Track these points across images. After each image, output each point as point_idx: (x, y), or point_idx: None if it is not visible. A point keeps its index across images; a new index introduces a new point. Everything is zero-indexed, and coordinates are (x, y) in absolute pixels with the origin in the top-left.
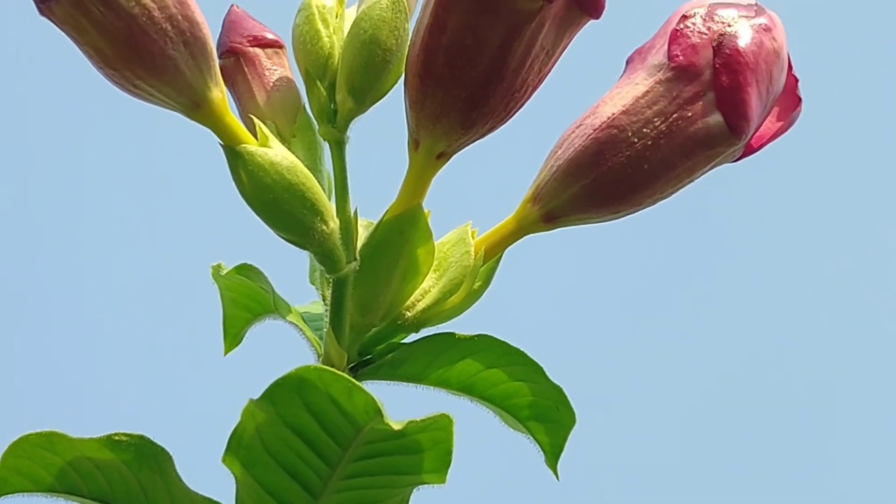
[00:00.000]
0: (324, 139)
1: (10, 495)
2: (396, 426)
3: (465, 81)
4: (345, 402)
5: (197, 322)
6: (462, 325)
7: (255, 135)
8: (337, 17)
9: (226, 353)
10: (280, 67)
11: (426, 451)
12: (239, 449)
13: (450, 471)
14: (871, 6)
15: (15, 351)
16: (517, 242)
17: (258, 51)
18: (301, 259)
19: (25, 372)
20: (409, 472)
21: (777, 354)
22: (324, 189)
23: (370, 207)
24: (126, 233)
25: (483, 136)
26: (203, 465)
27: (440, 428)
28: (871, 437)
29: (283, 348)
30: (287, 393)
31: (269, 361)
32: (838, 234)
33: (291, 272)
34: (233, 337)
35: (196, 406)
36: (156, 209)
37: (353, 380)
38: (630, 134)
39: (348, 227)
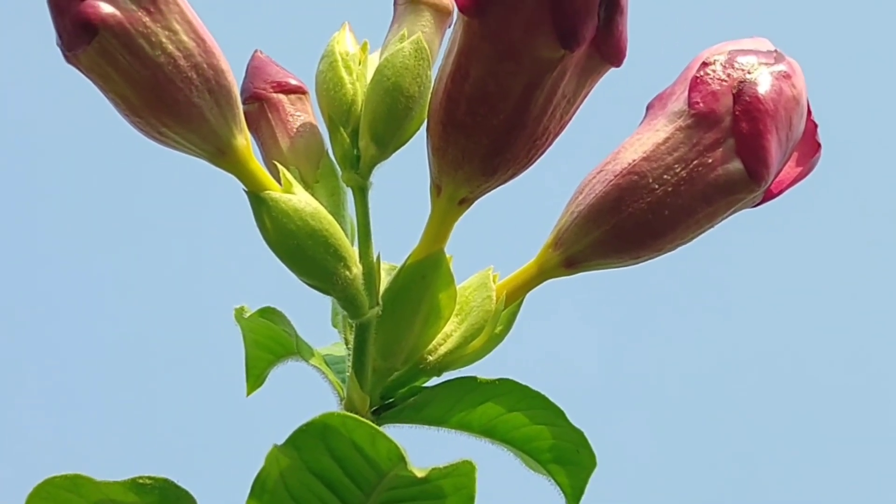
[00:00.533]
0: (347, 185)
1: None
2: (420, 473)
3: (488, 128)
4: (368, 449)
5: (220, 364)
6: (484, 369)
7: (278, 180)
8: (360, 63)
9: (248, 395)
10: (303, 113)
11: (448, 496)
12: (263, 493)
13: None
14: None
15: (37, 392)
16: (538, 287)
17: (282, 97)
18: (324, 301)
19: (48, 414)
20: None
21: (806, 393)
22: (347, 234)
23: (393, 252)
24: (152, 276)
25: (505, 182)
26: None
27: (463, 474)
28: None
29: (306, 390)
30: (311, 439)
31: (291, 403)
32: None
33: (314, 313)
34: (255, 378)
35: (219, 448)
36: (182, 253)
37: (377, 426)
38: (651, 180)
39: (371, 272)
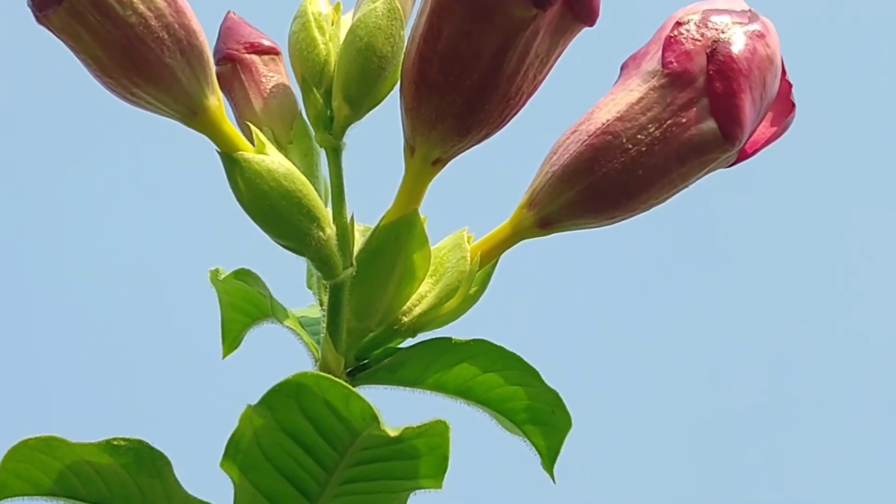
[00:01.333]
0: (320, 146)
1: (10, 499)
2: (393, 433)
3: (461, 88)
4: (342, 409)
5: (195, 327)
6: (458, 331)
7: (252, 142)
8: (333, 24)
9: (224, 357)
10: (276, 74)
11: (422, 456)
12: (237, 454)
13: (447, 475)
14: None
15: (11, 355)
16: (512, 248)
17: (255, 58)
18: (298, 263)
19: (22, 376)
20: (405, 478)
21: (777, 353)
22: (320, 195)
23: (366, 213)
24: (125, 238)
25: (478, 142)
26: (201, 469)
27: (436, 434)
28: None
29: (281, 352)
30: (284, 399)
31: (266, 365)
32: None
33: (289, 276)
34: (231, 341)
35: (194, 410)
36: (154, 215)
37: (350, 386)
38: (625, 140)
39: (345, 233)
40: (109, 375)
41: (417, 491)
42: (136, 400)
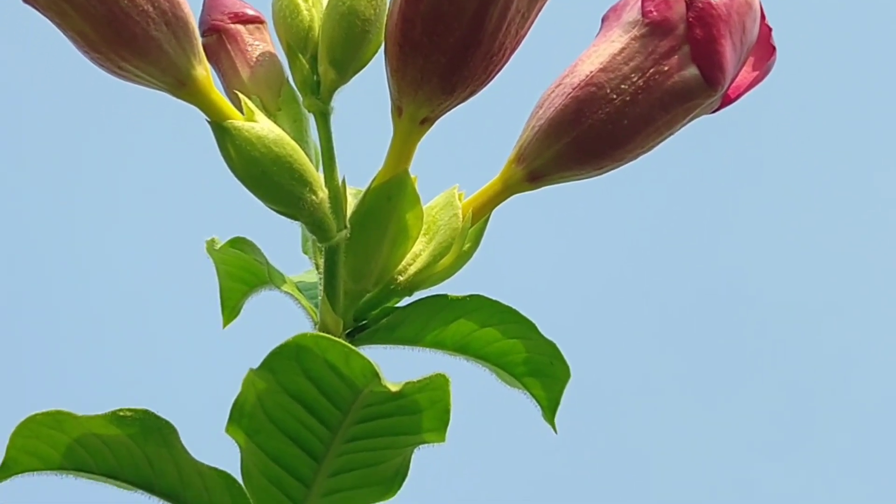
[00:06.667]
0: (308, 111)
1: (19, 475)
2: (394, 388)
3: (444, 47)
4: (342, 367)
5: (195, 297)
6: (454, 288)
7: (240, 110)
8: None
9: (224, 326)
10: (262, 42)
11: (424, 410)
12: (241, 418)
13: (449, 429)
14: None
15: (14, 332)
16: (504, 203)
17: (240, 27)
18: (293, 232)
19: (25, 353)
20: (408, 433)
21: (774, 295)
22: (311, 160)
23: (357, 176)
24: (121, 211)
25: (464, 100)
26: (208, 437)
27: (437, 388)
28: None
29: (281, 319)
30: (286, 361)
31: (267, 332)
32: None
33: (285, 243)
34: (230, 310)
35: (198, 381)
36: (149, 187)
37: (350, 345)
38: (608, 91)
39: (337, 195)
40: (113, 350)
41: (421, 445)
42: (141, 375)
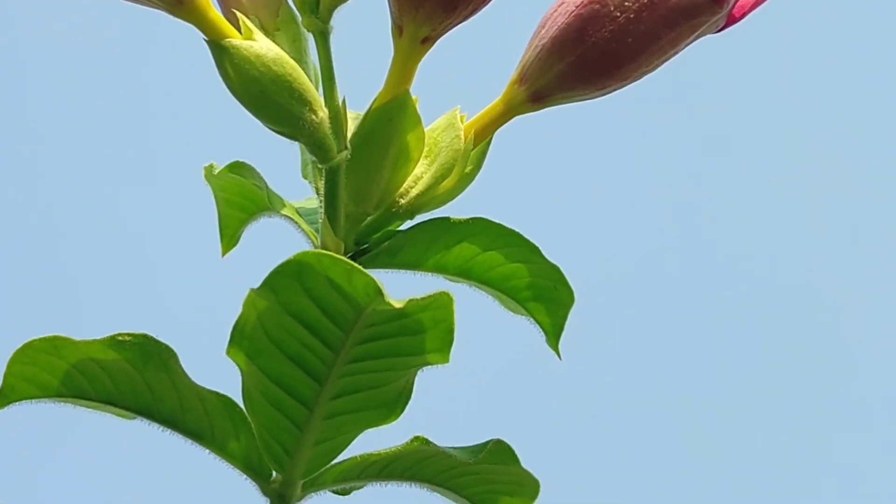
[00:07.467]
0: (307, 30)
1: (17, 402)
2: (397, 304)
3: None
4: (345, 285)
5: (195, 225)
6: (456, 211)
7: (238, 30)
8: None
9: (223, 255)
10: None
11: (428, 330)
12: (242, 340)
13: (452, 352)
14: None
15: (12, 259)
16: (506, 125)
17: None
18: (293, 157)
19: (24, 280)
20: (412, 353)
21: (778, 228)
22: (310, 80)
23: (357, 98)
24: (119, 137)
25: (466, 18)
26: (209, 363)
27: (441, 306)
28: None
29: (281, 246)
30: (287, 280)
31: (267, 260)
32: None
33: (284, 171)
34: (229, 238)
35: (198, 311)
36: (145, 112)
37: (353, 262)
38: (612, 8)
39: (337, 115)
40: (113, 277)
41: (425, 367)
42: (139, 303)
